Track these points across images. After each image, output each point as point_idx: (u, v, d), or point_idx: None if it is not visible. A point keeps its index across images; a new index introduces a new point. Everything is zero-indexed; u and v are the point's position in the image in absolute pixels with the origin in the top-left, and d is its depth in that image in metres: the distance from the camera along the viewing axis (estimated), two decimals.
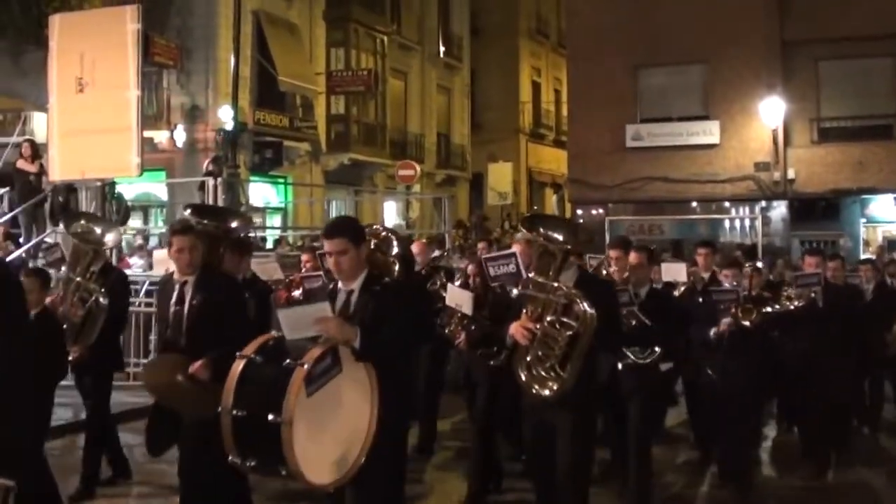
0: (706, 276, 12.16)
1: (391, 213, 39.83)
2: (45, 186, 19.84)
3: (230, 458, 6.11)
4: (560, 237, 7.11)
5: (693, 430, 12.87)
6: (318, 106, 36.72)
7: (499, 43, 51.40)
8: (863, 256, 25.54)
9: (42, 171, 19.92)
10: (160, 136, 31.53)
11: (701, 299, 11.00)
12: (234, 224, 9.17)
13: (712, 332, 10.33)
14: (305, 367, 5.91)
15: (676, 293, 11.71)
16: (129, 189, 24.06)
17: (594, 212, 33.82)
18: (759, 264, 15.85)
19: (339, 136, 37.96)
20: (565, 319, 6.94)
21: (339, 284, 6.79)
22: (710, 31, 31.14)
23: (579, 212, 34.74)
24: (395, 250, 8.69)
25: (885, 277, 15.33)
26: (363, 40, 38.63)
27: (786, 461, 12.39)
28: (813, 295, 11.19)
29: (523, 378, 7.13)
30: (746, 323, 10.16)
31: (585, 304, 6.85)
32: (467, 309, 9.12)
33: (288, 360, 6.02)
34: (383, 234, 8.73)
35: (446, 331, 10.33)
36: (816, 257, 12.00)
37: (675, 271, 12.18)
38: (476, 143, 50.00)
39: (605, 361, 8.99)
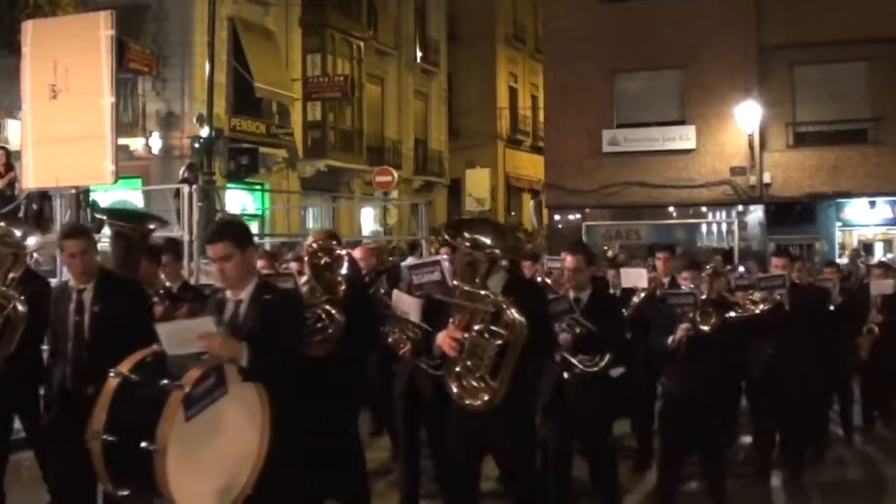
0: (666, 280, 11.63)
1: (368, 220, 39.79)
2: (19, 194, 19.72)
3: (102, 487, 5.65)
4: (487, 242, 6.84)
5: (636, 438, 12.47)
6: (294, 112, 36.63)
7: (476, 49, 51.45)
8: (838, 260, 25.64)
9: (14, 181, 19.74)
10: (135, 144, 31.40)
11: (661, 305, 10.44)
12: (151, 227, 8.80)
13: (670, 339, 9.74)
14: (184, 388, 5.42)
15: (636, 299, 11.47)
16: (105, 197, 23.96)
17: (571, 217, 33.84)
18: (733, 267, 15.84)
19: (315, 142, 37.88)
20: (494, 328, 6.68)
21: (228, 293, 6.36)
22: (687, 37, 31.21)
23: (556, 217, 34.78)
24: (345, 271, 8.29)
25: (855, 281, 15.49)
26: (339, 46, 38.55)
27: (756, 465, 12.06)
28: (778, 297, 10.92)
29: (454, 390, 6.90)
30: (705, 328, 9.56)
31: (514, 312, 6.59)
32: (415, 316, 8.66)
33: (165, 381, 5.52)
34: (337, 251, 8.34)
35: (389, 339, 9.86)
36: (783, 258, 11.69)
37: (634, 277, 11.94)
38: (453, 149, 50.03)
39: (548, 373, 8.91)
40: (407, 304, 8.81)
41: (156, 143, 31.65)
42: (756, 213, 32.02)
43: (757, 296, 11.11)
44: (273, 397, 5.97)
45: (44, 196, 19.46)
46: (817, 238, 31.77)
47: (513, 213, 52.97)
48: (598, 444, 9.12)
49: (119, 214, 9.34)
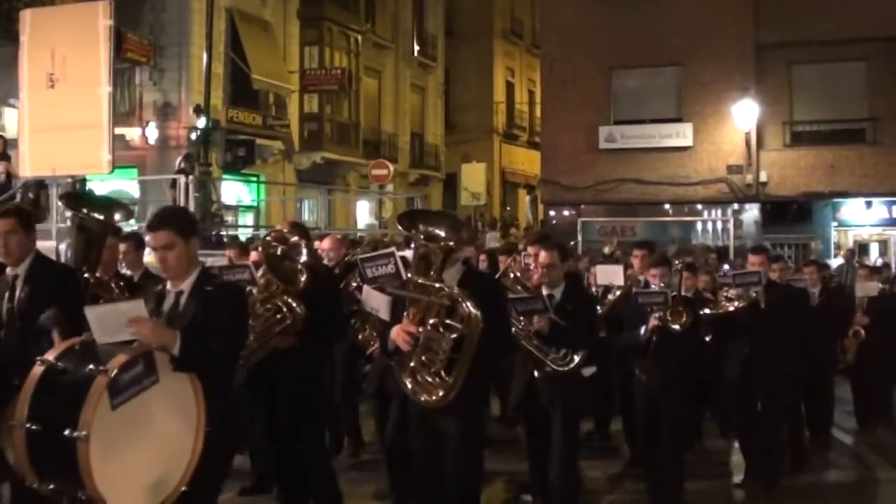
0: (643, 279, 10.99)
1: (364, 213, 39.78)
2: (14, 183, 19.67)
3: (26, 481, 5.33)
4: (441, 233, 6.64)
5: (628, 442, 12.14)
6: (291, 104, 36.58)
7: (473, 43, 51.41)
8: (832, 260, 25.68)
9: (8, 171, 19.66)
10: (132, 133, 31.36)
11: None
12: (118, 216, 8.36)
13: (642, 329, 9.56)
14: (109, 374, 5.12)
15: (611, 297, 11.35)
16: (101, 186, 23.93)
17: (566, 213, 33.87)
18: (728, 264, 15.60)
19: (312, 134, 37.84)
20: (449, 322, 6.53)
21: (168, 284, 6.10)
22: (684, 34, 31.20)
23: (552, 213, 34.78)
24: (304, 258, 8.04)
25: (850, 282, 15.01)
26: (337, 39, 38.49)
27: (726, 467, 11.97)
28: (754, 295, 10.47)
29: (408, 385, 6.74)
30: (676, 327, 9.34)
31: (469, 305, 6.43)
32: (384, 314, 8.12)
33: (91, 367, 5.23)
34: (293, 239, 8.11)
35: (360, 336, 9.92)
36: (760, 255, 11.20)
37: (610, 274, 11.78)
38: (450, 143, 50.00)
39: (520, 373, 8.83)
40: (376, 301, 8.45)
41: (152, 133, 31.60)
42: (752, 212, 32.04)
43: (732, 293, 10.79)
44: (209, 391, 5.67)
45: (40, 185, 19.42)
46: (813, 238, 31.78)
47: (508, 208, 52.96)
48: (563, 448, 8.62)
49: (84, 203, 8.47)
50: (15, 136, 20.72)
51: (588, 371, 8.73)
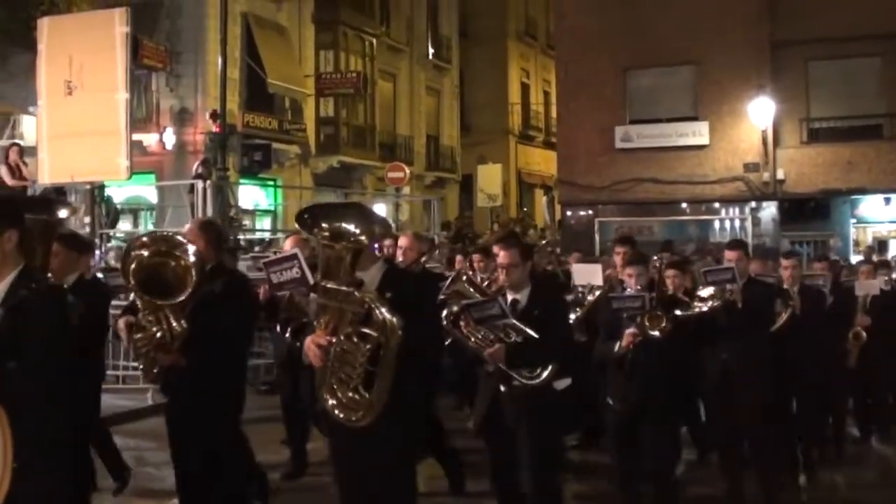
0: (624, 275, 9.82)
1: (381, 216, 39.79)
2: (34, 190, 19.72)
3: None
4: (349, 228, 5.92)
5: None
6: (307, 108, 36.67)
7: (488, 45, 51.41)
8: (852, 257, 25.59)
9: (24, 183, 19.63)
10: (149, 139, 31.47)
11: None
12: (62, 215, 7.79)
13: (616, 347, 8.68)
14: None
15: (591, 297, 10.46)
16: (119, 192, 24.06)
17: (583, 213, 33.83)
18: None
19: (328, 138, 37.94)
20: (365, 330, 5.77)
21: None
22: (699, 32, 31.14)
23: (568, 213, 34.73)
24: (192, 259, 7.19)
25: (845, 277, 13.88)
26: (352, 42, 38.61)
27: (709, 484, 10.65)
28: (729, 294, 9.41)
29: (329, 403, 5.97)
30: (655, 333, 8.45)
31: (384, 310, 5.70)
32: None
33: None
34: (176, 240, 7.32)
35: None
36: (737, 251, 9.97)
37: (588, 273, 10.93)
38: (465, 145, 50.00)
39: (484, 386, 8.04)
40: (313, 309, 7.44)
41: (169, 138, 31.74)
42: (769, 210, 31.95)
43: (705, 292, 9.61)
44: (14, 420, 4.56)
45: (59, 191, 19.51)
46: (831, 235, 31.68)
47: (525, 209, 52.86)
48: (539, 468, 7.82)
49: (22, 202, 8.09)
50: (34, 143, 20.82)
51: (561, 384, 7.92)
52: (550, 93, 50.71)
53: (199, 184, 20.98)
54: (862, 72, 30.91)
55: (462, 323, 7.76)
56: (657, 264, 10.10)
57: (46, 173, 18.80)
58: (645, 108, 32.99)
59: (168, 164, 31.52)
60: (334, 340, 5.85)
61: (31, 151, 20.31)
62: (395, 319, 5.68)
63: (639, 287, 8.90)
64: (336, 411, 5.94)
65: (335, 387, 5.93)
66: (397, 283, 6.22)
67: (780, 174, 31.34)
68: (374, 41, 40.13)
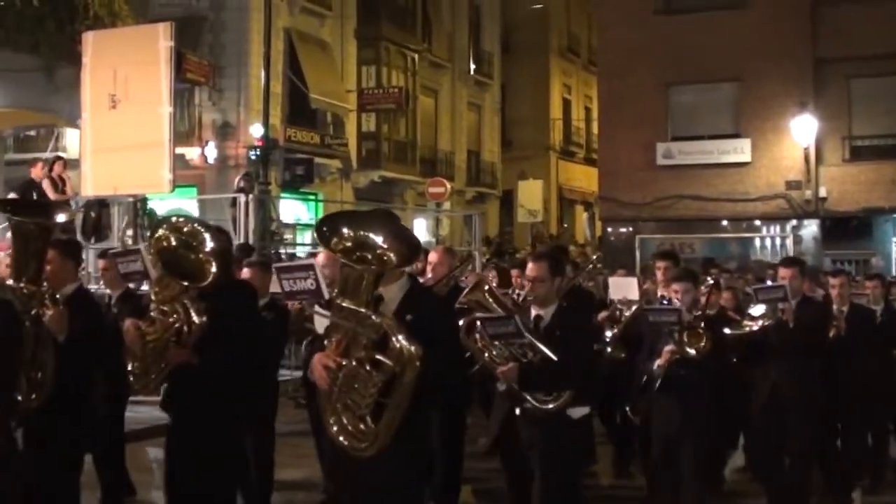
0: (666, 293, 9.47)
1: (421, 231, 39.85)
2: (77, 203, 19.86)
3: None
4: (377, 241, 5.32)
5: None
6: (349, 123, 36.83)
7: (529, 60, 51.41)
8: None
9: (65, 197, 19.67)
10: (192, 153, 31.65)
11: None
12: (60, 218, 7.68)
13: (655, 364, 8.37)
14: None
15: (628, 313, 10.06)
16: (161, 205, 24.17)
17: (623, 230, 33.75)
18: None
19: (369, 153, 38.09)
20: (379, 357, 5.24)
21: None
22: (742, 49, 31.05)
23: (609, 229, 34.66)
24: (210, 245, 6.63)
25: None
26: (394, 58, 38.72)
27: None
28: (781, 313, 9.17)
29: (333, 428, 5.47)
30: (692, 351, 8.07)
31: (402, 339, 5.17)
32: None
33: None
34: (187, 227, 6.77)
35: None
36: (791, 268, 9.63)
37: (624, 287, 10.59)
38: (506, 161, 50.00)
39: (498, 406, 7.76)
40: (319, 324, 6.79)
41: (211, 152, 31.91)
42: (811, 228, 31.76)
43: (756, 310, 9.42)
44: None
45: (101, 204, 19.66)
46: (873, 253, 31.44)
47: (565, 225, 52.86)
48: (547, 499, 7.36)
49: (16, 205, 8.00)
50: (77, 156, 21.00)
51: (577, 412, 7.45)
52: (592, 109, 50.69)
53: (241, 197, 21.08)
54: None
55: (478, 335, 7.39)
56: (707, 283, 9.71)
57: (89, 186, 18.97)
58: (687, 124, 32.90)
59: (210, 178, 31.69)
60: (344, 363, 5.35)
61: (75, 164, 20.47)
62: (413, 349, 5.17)
63: (684, 305, 8.48)
64: (340, 437, 5.45)
65: (341, 412, 5.43)
66: (420, 304, 5.73)
67: (822, 192, 31.16)
68: (416, 57, 40.24)
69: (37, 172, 18.96)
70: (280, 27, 31.80)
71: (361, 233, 5.33)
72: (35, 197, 18.40)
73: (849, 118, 31.37)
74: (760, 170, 31.85)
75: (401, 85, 38.02)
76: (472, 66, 46.98)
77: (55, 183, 19.97)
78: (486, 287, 8.26)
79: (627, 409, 10.13)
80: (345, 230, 5.38)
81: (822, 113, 30.96)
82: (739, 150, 32.06)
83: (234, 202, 22.03)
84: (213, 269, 6.60)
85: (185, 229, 6.75)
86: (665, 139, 32.91)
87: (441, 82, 44.56)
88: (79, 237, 19.18)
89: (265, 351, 8.50)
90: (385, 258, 5.29)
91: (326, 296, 6.23)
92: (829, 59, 30.83)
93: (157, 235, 6.84)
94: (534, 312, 7.55)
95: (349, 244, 5.33)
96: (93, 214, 19.54)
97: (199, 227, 6.79)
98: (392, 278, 5.61)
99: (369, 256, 5.28)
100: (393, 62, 38.60)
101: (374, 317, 5.24)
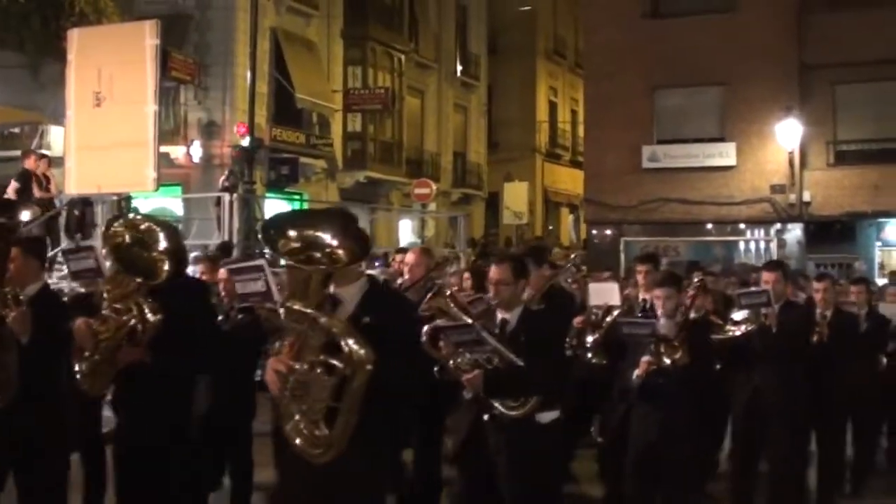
0: (648, 297, 9.37)
1: (407, 232, 39.86)
2: (60, 201, 19.78)
3: None
4: (325, 240, 5.12)
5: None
6: (334, 123, 36.77)
7: (516, 62, 51.49)
8: (877, 281, 25.41)
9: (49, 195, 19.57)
10: (177, 152, 31.57)
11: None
12: (25, 216, 7.65)
13: (634, 374, 8.18)
14: None
15: (609, 319, 9.60)
16: (145, 204, 24.13)
17: (609, 232, 33.77)
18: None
19: (355, 153, 38.04)
20: (331, 360, 5.06)
21: None
22: (728, 53, 31.09)
23: (594, 232, 34.68)
24: (164, 244, 6.58)
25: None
26: (381, 58, 38.69)
27: None
28: (764, 318, 9.10)
29: (290, 434, 5.28)
30: (667, 361, 7.92)
31: (352, 342, 4.98)
32: None
33: None
34: (144, 225, 6.72)
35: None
36: (774, 273, 9.58)
37: (605, 293, 10.16)
38: (492, 162, 50.06)
39: (466, 411, 7.54)
40: None
41: (197, 151, 31.84)
42: (795, 232, 31.82)
43: (738, 315, 9.33)
44: None
45: (85, 202, 19.59)
46: (856, 258, 31.50)
47: (550, 228, 52.93)
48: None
49: None
50: (61, 153, 20.94)
51: (546, 417, 7.28)
52: (578, 111, 50.82)
53: (226, 197, 21.07)
54: (890, 95, 30.74)
55: (442, 343, 7.23)
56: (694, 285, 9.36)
57: (73, 184, 18.92)
58: (673, 127, 32.92)
59: (195, 177, 31.62)
60: (297, 367, 5.16)
61: (59, 162, 20.41)
62: (364, 352, 4.98)
63: (665, 310, 8.35)
64: (296, 442, 5.25)
65: (296, 418, 5.24)
66: (379, 306, 5.48)
67: (806, 196, 31.22)
68: (403, 57, 40.21)
69: (31, 164, 18.85)
70: (266, 26, 31.75)
71: (309, 232, 5.15)
72: (34, 187, 18.35)
73: (833, 123, 31.42)
74: (745, 173, 31.89)
75: (387, 85, 38.01)
76: (459, 68, 46.99)
77: (39, 180, 19.90)
78: (448, 293, 8.01)
79: (592, 428, 10.15)
80: (291, 231, 5.21)
81: (807, 118, 31.02)
82: (725, 154, 32.09)
83: (218, 201, 22.03)
84: (167, 267, 6.55)
85: (142, 227, 6.72)
86: (651, 142, 32.92)
87: (427, 83, 44.54)
88: (62, 235, 19.19)
89: (239, 353, 8.47)
90: (335, 256, 5.12)
91: (277, 297, 5.98)
92: (814, 65, 30.89)
93: (111, 232, 6.79)
94: (499, 316, 7.40)
95: (297, 245, 5.15)
96: (76, 213, 19.46)
97: (155, 226, 6.75)
98: (349, 279, 5.44)
99: (318, 256, 5.10)
100: (379, 62, 38.57)
101: (322, 319, 5.09)
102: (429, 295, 8.01)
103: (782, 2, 31.05)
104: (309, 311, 5.08)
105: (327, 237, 5.11)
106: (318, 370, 5.10)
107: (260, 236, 5.29)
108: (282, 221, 5.54)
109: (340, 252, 5.10)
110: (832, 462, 10.80)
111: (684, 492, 8.40)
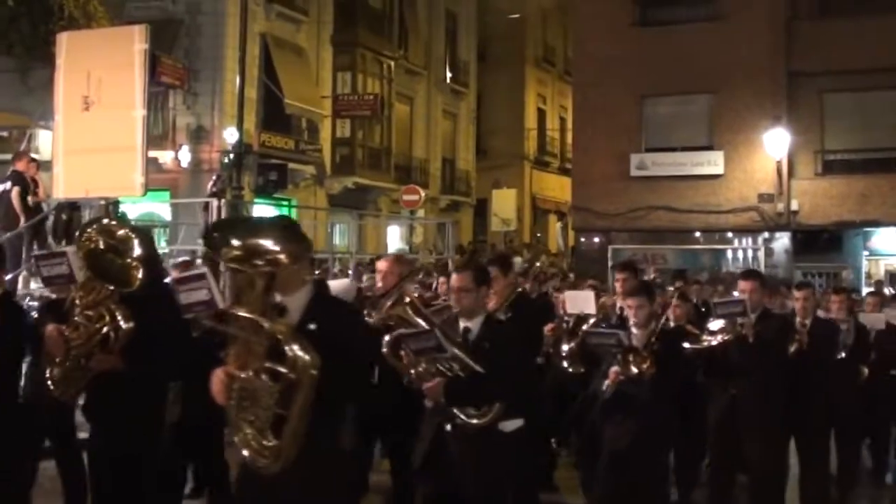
0: (625, 305, 9.22)
1: (395, 238, 39.86)
2: (48, 205, 19.70)
3: None
4: (266, 247, 5.10)
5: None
6: (323, 129, 36.78)
7: (505, 70, 51.58)
8: (864, 290, 25.46)
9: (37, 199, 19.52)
10: (165, 157, 31.57)
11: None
12: None
13: (604, 384, 8.11)
14: None
15: (586, 327, 9.57)
16: (133, 209, 24.12)
17: (596, 240, 33.80)
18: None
19: (343, 159, 38.05)
20: (276, 367, 4.99)
21: None
22: (717, 62, 31.15)
23: (582, 239, 34.72)
24: (137, 251, 6.56)
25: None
26: (370, 65, 38.72)
27: None
28: (740, 328, 9.01)
29: (239, 444, 5.24)
30: (634, 370, 7.83)
31: (295, 347, 4.94)
32: None
33: None
34: (119, 232, 6.65)
35: None
36: (751, 282, 9.57)
37: (581, 301, 10.19)
38: (481, 169, 50.09)
39: (426, 427, 7.36)
40: None
41: (185, 156, 31.82)
42: (782, 241, 31.89)
43: (715, 325, 9.20)
44: None
45: (73, 207, 19.53)
46: (844, 267, 31.58)
47: (538, 235, 52.97)
48: None
49: None
50: (49, 157, 20.89)
51: (511, 425, 7.28)
52: (567, 119, 50.91)
53: (214, 202, 21.03)
54: (877, 105, 30.85)
55: (402, 352, 7.13)
56: (672, 294, 9.35)
57: (61, 188, 18.85)
58: (661, 136, 32.98)
59: (183, 182, 31.62)
60: (243, 375, 5.09)
61: (47, 166, 20.35)
62: (308, 357, 4.94)
63: (637, 319, 8.31)
64: (245, 452, 5.19)
65: (243, 427, 5.17)
66: (325, 312, 5.45)
67: (793, 205, 31.29)
68: (392, 64, 40.27)
69: (23, 166, 18.78)
70: (256, 32, 31.76)
71: (251, 240, 5.13)
72: (29, 188, 18.28)
73: (821, 132, 31.50)
74: (733, 182, 31.95)
75: (376, 92, 38.05)
76: (448, 75, 47.02)
77: (28, 184, 19.85)
78: (408, 300, 7.72)
79: (553, 440, 10.15)
80: (234, 240, 5.16)
81: (794, 127, 31.10)
82: (712, 163, 32.15)
83: (206, 206, 21.99)
84: (140, 274, 6.53)
85: (117, 233, 6.67)
86: (639, 150, 32.98)
87: (417, 90, 44.58)
88: (49, 239, 19.11)
89: (211, 359, 8.36)
90: (277, 259, 5.10)
91: (221, 305, 5.78)
92: (802, 74, 30.98)
93: (84, 237, 6.73)
94: (462, 325, 7.31)
95: (239, 252, 5.11)
96: (64, 217, 19.39)
97: (130, 232, 6.69)
98: (294, 287, 5.38)
99: (261, 263, 5.08)
100: (369, 69, 38.60)
101: (265, 324, 5.02)
102: (388, 303, 7.81)
103: (770, 11, 31.11)
104: (252, 315, 5.04)
105: (268, 243, 5.11)
106: (264, 377, 5.04)
107: (202, 241, 5.17)
108: (226, 229, 5.54)
109: (282, 256, 5.10)
110: (816, 473, 10.57)
111: (657, 500, 8.41)
